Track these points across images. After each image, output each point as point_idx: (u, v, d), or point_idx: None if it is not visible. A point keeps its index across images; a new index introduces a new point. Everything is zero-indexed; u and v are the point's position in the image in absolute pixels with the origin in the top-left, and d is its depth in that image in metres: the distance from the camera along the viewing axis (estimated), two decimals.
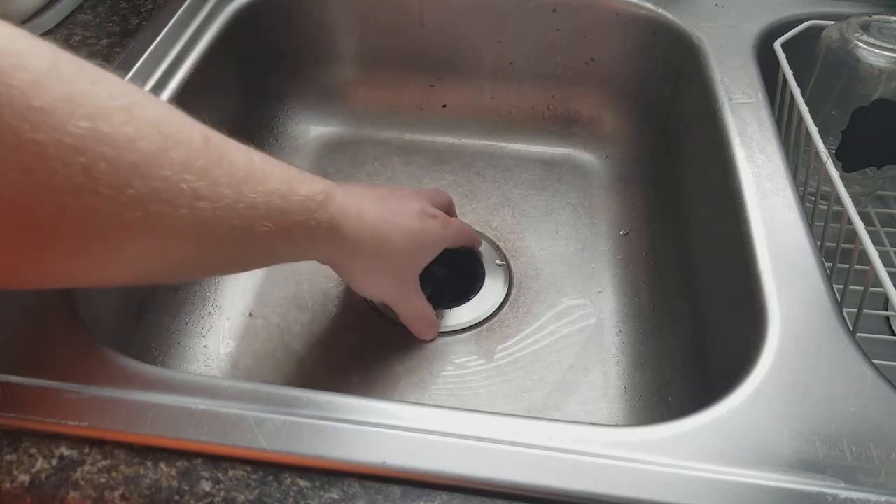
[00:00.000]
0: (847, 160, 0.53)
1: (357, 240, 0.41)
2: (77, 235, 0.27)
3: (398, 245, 0.45)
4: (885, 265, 0.39)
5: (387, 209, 0.45)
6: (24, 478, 0.31)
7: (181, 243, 0.31)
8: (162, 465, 0.31)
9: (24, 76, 0.24)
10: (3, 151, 0.24)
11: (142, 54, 0.54)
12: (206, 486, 0.31)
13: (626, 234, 0.62)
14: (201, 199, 0.30)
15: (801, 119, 0.49)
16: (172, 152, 0.28)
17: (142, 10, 0.59)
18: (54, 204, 0.25)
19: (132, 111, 0.27)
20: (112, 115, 0.26)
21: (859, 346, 0.37)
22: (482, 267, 0.59)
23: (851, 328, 0.38)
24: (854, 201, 0.43)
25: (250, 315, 0.55)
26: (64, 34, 0.57)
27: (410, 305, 0.51)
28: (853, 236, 0.42)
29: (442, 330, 0.54)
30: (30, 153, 0.24)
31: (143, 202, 0.28)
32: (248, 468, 0.31)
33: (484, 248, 0.60)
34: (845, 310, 0.41)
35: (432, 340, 0.53)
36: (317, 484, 0.31)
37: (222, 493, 0.31)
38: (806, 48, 0.56)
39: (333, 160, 0.68)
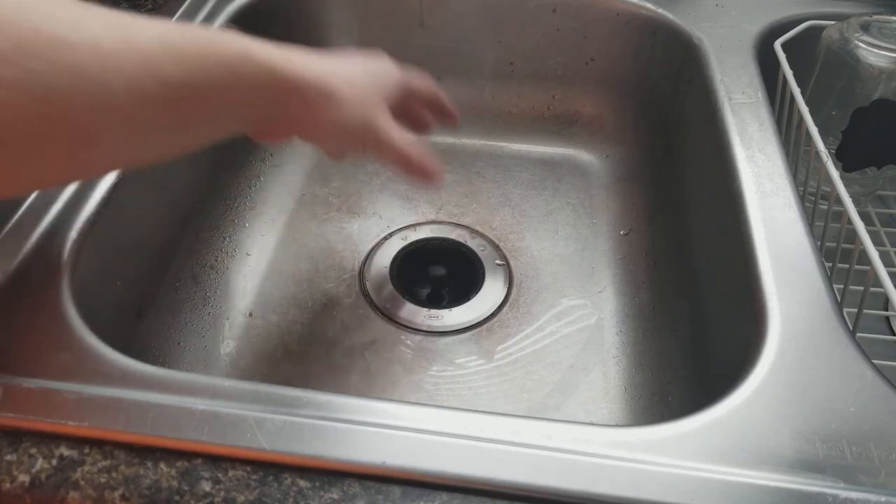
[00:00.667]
0: (847, 160, 0.53)
1: (299, 82, 0.37)
2: None
3: (350, 78, 0.41)
4: (885, 265, 0.39)
5: (336, 54, 0.41)
6: (24, 478, 0.31)
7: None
8: (162, 465, 0.31)
9: None
10: None
11: None
12: (206, 486, 0.31)
13: (626, 234, 0.62)
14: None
15: (801, 119, 0.49)
16: (62, 78, 0.26)
17: (142, 10, 0.59)
18: None
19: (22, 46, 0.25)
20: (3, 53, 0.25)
21: (859, 346, 0.37)
22: (482, 267, 0.59)
23: (851, 328, 0.38)
24: (854, 201, 0.43)
25: (250, 315, 0.55)
26: None
27: (380, 123, 0.43)
28: (853, 236, 0.42)
29: (442, 330, 0.54)
30: None
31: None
32: (248, 468, 0.31)
33: (484, 248, 0.60)
34: (845, 310, 0.41)
35: (440, 184, 0.48)
36: (317, 484, 0.31)
37: (222, 493, 0.31)
38: (806, 48, 0.56)
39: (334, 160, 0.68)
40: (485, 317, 0.55)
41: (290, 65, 0.36)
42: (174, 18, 0.58)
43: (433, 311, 0.56)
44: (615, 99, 0.69)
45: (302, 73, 0.37)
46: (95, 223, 0.43)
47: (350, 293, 0.57)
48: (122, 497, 0.30)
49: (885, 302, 0.53)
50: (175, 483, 0.31)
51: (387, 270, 0.59)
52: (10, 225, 0.41)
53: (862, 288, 0.41)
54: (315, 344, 0.53)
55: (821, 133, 0.48)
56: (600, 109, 0.70)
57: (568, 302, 0.57)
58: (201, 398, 0.33)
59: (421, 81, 0.51)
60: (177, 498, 0.30)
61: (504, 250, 0.60)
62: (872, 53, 0.50)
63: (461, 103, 0.71)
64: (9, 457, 0.32)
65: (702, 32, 0.60)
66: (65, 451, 0.32)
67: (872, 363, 0.36)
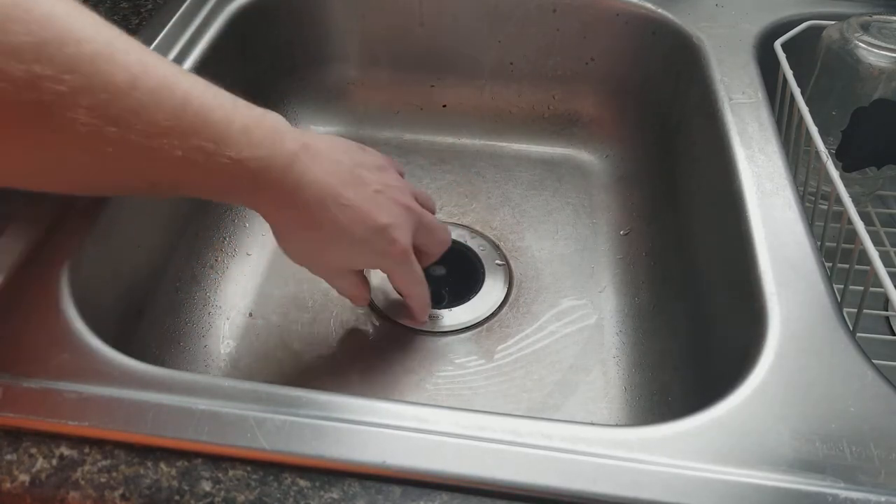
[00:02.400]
0: (847, 160, 0.53)
1: (283, 210, 0.40)
2: None
3: (328, 237, 0.42)
4: (885, 265, 0.39)
5: (339, 201, 0.41)
6: (25, 478, 0.31)
7: (82, 175, 0.33)
8: (162, 465, 0.31)
9: None
10: None
11: None
12: (206, 486, 0.31)
13: (626, 234, 0.62)
14: (107, 144, 0.30)
15: (801, 119, 0.49)
16: (82, 96, 0.29)
17: (142, 11, 0.59)
18: None
19: (44, 49, 0.28)
20: (21, 53, 0.27)
21: (859, 346, 0.37)
22: (482, 267, 0.59)
23: (851, 328, 0.38)
24: (854, 201, 0.43)
25: (250, 315, 0.55)
26: None
27: (334, 284, 0.48)
28: (853, 236, 0.42)
29: (442, 330, 0.54)
30: None
31: (45, 137, 0.29)
32: (248, 468, 0.31)
33: (484, 248, 0.60)
34: (845, 310, 0.41)
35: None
36: (317, 484, 0.31)
37: (222, 493, 0.31)
38: (806, 48, 0.56)
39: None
40: (485, 317, 0.55)
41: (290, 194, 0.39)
42: (174, 19, 0.58)
43: (433, 311, 0.56)
44: (615, 99, 0.69)
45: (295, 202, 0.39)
46: (95, 223, 0.43)
47: None
48: (122, 497, 0.30)
49: (885, 302, 0.53)
50: (175, 483, 0.31)
51: None
52: (10, 225, 0.41)
53: (862, 288, 0.41)
54: (315, 344, 0.53)
55: (821, 133, 0.48)
56: (600, 109, 0.70)
57: (568, 302, 0.57)
58: (201, 398, 0.33)
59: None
60: (177, 498, 0.30)
61: (504, 250, 0.60)
62: (872, 53, 0.50)
63: (461, 103, 0.72)
64: (9, 456, 0.32)
65: (702, 32, 0.60)
66: (65, 450, 0.32)
67: (872, 363, 0.36)
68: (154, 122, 0.31)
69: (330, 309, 0.56)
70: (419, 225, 0.46)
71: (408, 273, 0.47)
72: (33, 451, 0.32)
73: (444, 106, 0.72)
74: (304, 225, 0.41)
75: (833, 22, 0.55)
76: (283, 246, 0.44)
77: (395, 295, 0.56)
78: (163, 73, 0.32)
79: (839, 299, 0.40)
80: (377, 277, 0.58)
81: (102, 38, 0.30)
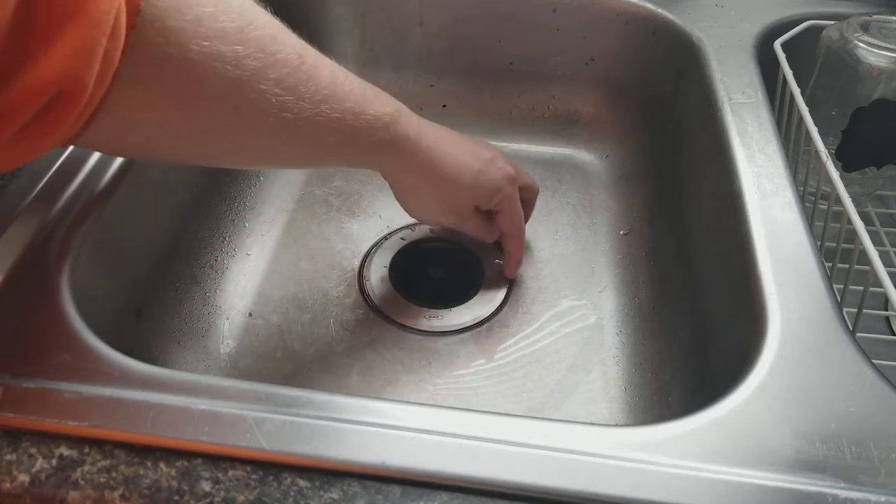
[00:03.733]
0: (847, 160, 0.53)
1: (409, 159, 0.46)
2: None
3: (448, 175, 0.48)
4: (885, 265, 0.39)
5: (450, 141, 0.48)
6: (24, 478, 0.31)
7: (263, 142, 0.38)
8: (162, 465, 0.31)
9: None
10: (144, 60, 0.30)
11: None
12: (206, 486, 0.31)
13: (626, 234, 0.62)
14: (286, 111, 0.36)
15: (801, 119, 0.49)
16: (270, 71, 0.35)
17: None
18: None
19: (244, 31, 0.33)
20: (227, 35, 0.32)
21: (859, 346, 0.37)
22: (482, 267, 0.59)
23: (851, 328, 0.38)
24: (854, 201, 0.43)
25: (250, 315, 0.55)
26: None
27: (466, 227, 0.53)
28: (853, 236, 0.42)
29: (442, 330, 0.54)
30: (162, 63, 0.31)
31: (239, 109, 0.35)
32: (248, 468, 0.31)
33: (484, 248, 0.60)
34: (845, 310, 0.41)
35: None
36: (317, 484, 0.31)
37: (222, 493, 0.31)
38: (806, 48, 0.56)
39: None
40: (485, 317, 0.55)
41: (406, 143, 0.45)
42: None
43: (433, 311, 0.56)
44: (615, 99, 0.69)
45: (412, 153, 0.46)
46: (95, 223, 0.43)
47: (350, 293, 0.57)
48: (122, 497, 0.30)
49: (885, 302, 0.53)
50: (175, 483, 0.31)
51: (386, 270, 0.59)
52: (10, 225, 0.41)
53: (862, 288, 0.41)
54: (315, 344, 0.53)
55: (821, 133, 0.48)
56: (600, 109, 0.70)
57: (568, 302, 0.57)
58: (201, 398, 0.33)
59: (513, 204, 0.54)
60: (177, 498, 0.30)
61: None
62: (872, 53, 0.50)
63: (461, 103, 0.72)
64: (9, 456, 0.32)
65: (702, 32, 0.60)
66: (65, 450, 0.32)
67: (872, 363, 0.36)
68: (317, 90, 0.37)
69: (330, 309, 0.56)
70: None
71: (515, 204, 0.53)
72: (33, 451, 0.32)
73: (444, 106, 0.72)
74: (429, 168, 0.47)
75: (833, 22, 0.55)
76: (409, 203, 0.50)
77: (393, 295, 0.57)
78: (313, 52, 0.38)
79: (839, 299, 0.40)
80: (375, 276, 0.58)
81: (271, 22, 0.36)
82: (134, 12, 0.29)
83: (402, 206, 0.51)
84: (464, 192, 0.49)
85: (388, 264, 0.59)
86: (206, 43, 0.32)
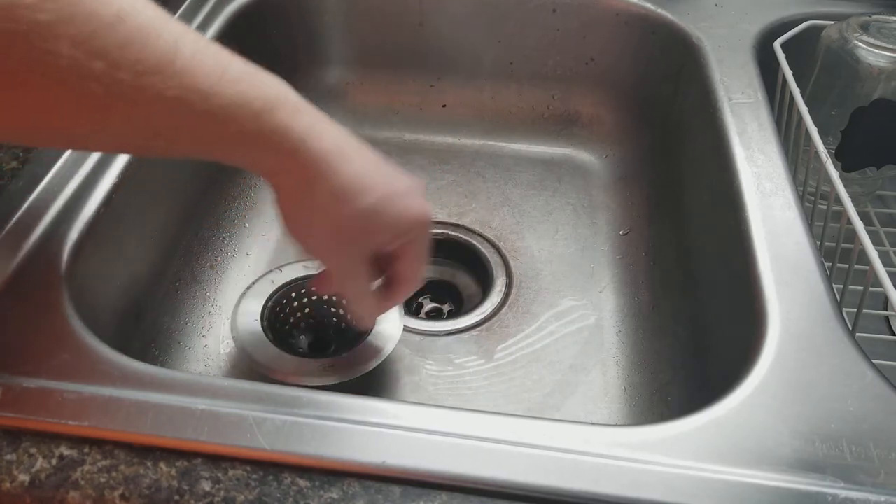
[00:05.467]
0: (847, 160, 0.53)
1: (292, 159, 0.35)
2: None
3: (345, 186, 0.36)
4: (885, 265, 0.39)
5: (357, 155, 0.37)
6: (24, 477, 0.31)
7: (63, 121, 0.30)
8: (162, 464, 0.31)
9: None
10: None
11: None
12: (206, 485, 0.31)
13: (626, 234, 0.62)
14: (91, 80, 0.28)
15: (800, 119, 0.49)
16: (66, 25, 0.27)
17: None
18: None
19: None
20: None
21: (859, 346, 0.37)
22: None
23: (851, 328, 0.38)
24: (854, 201, 0.43)
25: None
26: None
27: (342, 280, 0.40)
28: (853, 236, 0.42)
29: (442, 330, 0.54)
30: None
31: (15, 73, 0.27)
32: (248, 468, 0.31)
33: (483, 249, 0.60)
34: (845, 310, 0.41)
35: (369, 332, 0.47)
36: (316, 484, 0.31)
37: (222, 493, 0.31)
38: (806, 48, 0.56)
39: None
40: (485, 317, 0.55)
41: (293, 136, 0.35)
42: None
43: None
44: (615, 99, 0.69)
45: (296, 150, 0.35)
46: (95, 223, 0.43)
47: None
48: (122, 497, 0.30)
49: (885, 302, 0.53)
50: (175, 483, 0.31)
51: None
52: (10, 225, 0.41)
53: (862, 288, 0.41)
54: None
55: (820, 133, 0.48)
56: (600, 109, 0.70)
57: (567, 302, 0.57)
58: (201, 398, 0.33)
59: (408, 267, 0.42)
60: (177, 498, 0.30)
61: (504, 250, 0.60)
62: (872, 53, 0.50)
63: (461, 103, 0.72)
64: (9, 456, 0.32)
65: (701, 32, 0.60)
66: (65, 450, 0.32)
67: (872, 363, 0.36)
68: (142, 59, 0.29)
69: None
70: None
71: (422, 250, 0.41)
72: (33, 451, 0.32)
73: (444, 106, 0.72)
74: (314, 178, 0.35)
75: (833, 22, 0.55)
76: (283, 213, 0.38)
77: None
78: (152, 13, 0.30)
79: (839, 299, 0.40)
80: None
81: None
82: None
83: (280, 221, 0.38)
84: (361, 216, 0.36)
85: None
86: None
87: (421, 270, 0.42)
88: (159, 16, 0.30)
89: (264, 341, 0.46)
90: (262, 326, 0.47)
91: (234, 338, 0.47)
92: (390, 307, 0.44)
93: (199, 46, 0.31)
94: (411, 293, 0.43)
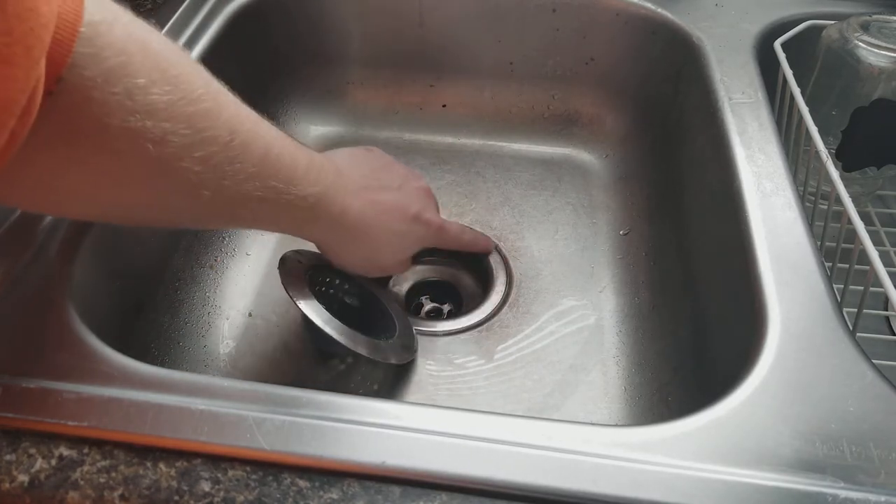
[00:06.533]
0: (847, 160, 0.53)
1: (334, 232, 0.45)
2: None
3: (375, 242, 0.48)
4: (885, 265, 0.39)
5: (376, 208, 0.47)
6: (24, 478, 0.31)
7: (173, 216, 0.37)
8: (161, 465, 0.31)
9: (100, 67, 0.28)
10: (59, 128, 0.28)
11: None
12: (206, 486, 0.31)
13: (626, 234, 0.62)
14: (205, 189, 0.34)
15: (801, 119, 0.49)
16: (196, 149, 0.32)
17: (141, 10, 0.59)
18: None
19: (175, 106, 0.30)
20: (156, 111, 0.30)
21: (859, 345, 0.37)
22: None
23: (851, 328, 0.38)
24: (854, 201, 0.43)
25: (250, 315, 0.55)
26: None
27: (399, 272, 0.54)
28: (853, 236, 0.41)
29: (442, 330, 0.54)
30: (78, 133, 0.29)
31: (155, 185, 0.33)
32: (248, 468, 0.31)
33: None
34: (845, 310, 0.41)
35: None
36: (316, 484, 0.31)
37: (222, 493, 0.31)
38: (806, 48, 0.56)
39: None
40: (485, 317, 0.55)
41: (330, 219, 0.43)
42: (173, 18, 0.58)
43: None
44: (615, 99, 0.69)
45: (337, 228, 0.44)
46: (95, 223, 0.43)
47: None
48: (122, 497, 0.30)
49: (885, 302, 0.53)
50: (174, 483, 0.31)
51: None
52: (9, 225, 0.41)
53: (862, 288, 0.41)
54: (315, 344, 0.53)
55: (821, 133, 0.48)
56: (600, 109, 0.70)
57: (568, 302, 0.57)
58: (201, 398, 0.33)
59: (451, 241, 0.55)
60: (176, 498, 0.30)
61: (504, 250, 0.60)
62: (872, 53, 0.50)
63: (461, 103, 0.72)
64: (8, 457, 0.32)
65: (701, 32, 0.59)
66: (64, 450, 0.32)
67: (872, 363, 0.36)
68: (243, 169, 0.35)
69: None
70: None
71: (449, 238, 0.54)
72: (32, 451, 0.32)
73: (444, 106, 0.72)
74: (355, 237, 0.46)
75: (833, 22, 0.54)
76: (342, 263, 0.49)
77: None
78: (251, 125, 0.36)
79: (839, 299, 0.40)
80: None
81: (209, 92, 0.33)
82: (54, 80, 0.26)
83: (332, 260, 0.49)
84: (392, 254, 0.50)
85: None
86: (130, 118, 0.29)
87: (462, 243, 0.56)
88: (256, 123, 0.36)
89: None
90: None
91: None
92: (483, 249, 0.59)
93: (283, 147, 0.38)
94: (477, 245, 0.58)
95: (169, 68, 0.31)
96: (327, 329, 0.44)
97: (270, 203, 0.38)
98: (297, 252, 0.49)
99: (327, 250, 0.48)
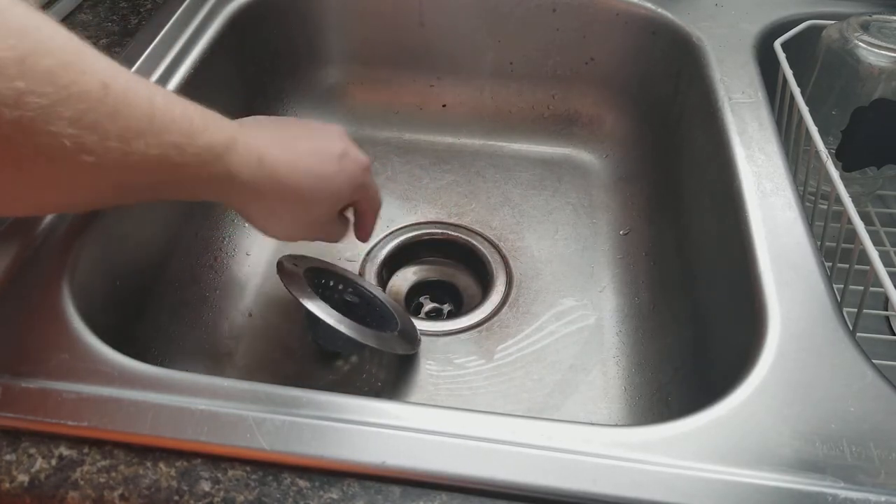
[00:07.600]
0: (847, 160, 0.53)
1: (255, 187, 0.39)
2: None
3: (305, 191, 0.42)
4: (885, 265, 0.39)
5: (297, 152, 0.42)
6: (24, 478, 0.31)
7: (59, 195, 0.32)
8: (161, 465, 0.31)
9: None
10: None
11: (141, 54, 0.54)
12: (206, 486, 0.31)
13: (626, 234, 0.62)
14: (86, 153, 0.29)
15: (801, 119, 0.49)
16: (63, 107, 0.28)
17: (141, 10, 0.59)
18: None
19: (26, 61, 0.27)
20: (5, 69, 0.26)
21: (859, 345, 0.37)
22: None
23: (851, 328, 0.38)
24: (854, 201, 0.43)
25: (250, 315, 0.55)
26: None
27: (328, 234, 0.48)
28: (853, 236, 0.41)
29: (442, 330, 0.54)
30: None
31: (22, 158, 0.28)
32: (248, 468, 0.31)
33: (483, 249, 0.60)
34: (845, 310, 0.41)
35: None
36: (316, 484, 0.31)
37: (222, 493, 0.31)
38: (806, 48, 0.56)
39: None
40: (485, 317, 0.55)
41: (248, 171, 0.38)
42: (173, 18, 0.58)
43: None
44: (615, 99, 0.69)
45: (256, 182, 0.39)
46: (95, 223, 0.43)
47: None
48: (122, 497, 0.30)
49: (885, 302, 0.53)
50: (174, 483, 0.31)
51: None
52: (9, 225, 0.41)
53: (862, 288, 0.41)
54: (315, 344, 0.53)
55: (821, 133, 0.48)
56: (600, 109, 0.70)
57: (568, 302, 0.57)
58: (201, 398, 0.33)
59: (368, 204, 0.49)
60: (176, 498, 0.30)
61: (504, 250, 0.60)
62: (872, 53, 0.50)
63: (461, 103, 0.72)
64: (8, 457, 0.32)
65: (702, 32, 0.59)
66: (64, 450, 0.32)
67: (872, 363, 0.36)
68: (128, 125, 0.31)
69: None
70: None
71: (372, 186, 0.48)
72: (32, 451, 0.32)
73: (444, 106, 0.72)
74: (280, 192, 0.41)
75: (833, 22, 0.54)
76: (267, 229, 0.44)
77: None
78: (126, 77, 0.32)
79: (839, 299, 0.40)
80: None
81: (72, 47, 0.29)
82: None
83: (259, 230, 0.44)
84: (323, 202, 0.44)
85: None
86: None
87: (378, 199, 0.50)
88: (132, 76, 0.32)
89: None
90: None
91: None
92: (366, 236, 0.51)
93: (168, 100, 0.34)
94: (373, 222, 0.50)
95: (11, 20, 0.27)
96: (338, 326, 0.44)
97: (174, 163, 0.34)
98: (291, 256, 0.50)
99: (253, 214, 0.42)
